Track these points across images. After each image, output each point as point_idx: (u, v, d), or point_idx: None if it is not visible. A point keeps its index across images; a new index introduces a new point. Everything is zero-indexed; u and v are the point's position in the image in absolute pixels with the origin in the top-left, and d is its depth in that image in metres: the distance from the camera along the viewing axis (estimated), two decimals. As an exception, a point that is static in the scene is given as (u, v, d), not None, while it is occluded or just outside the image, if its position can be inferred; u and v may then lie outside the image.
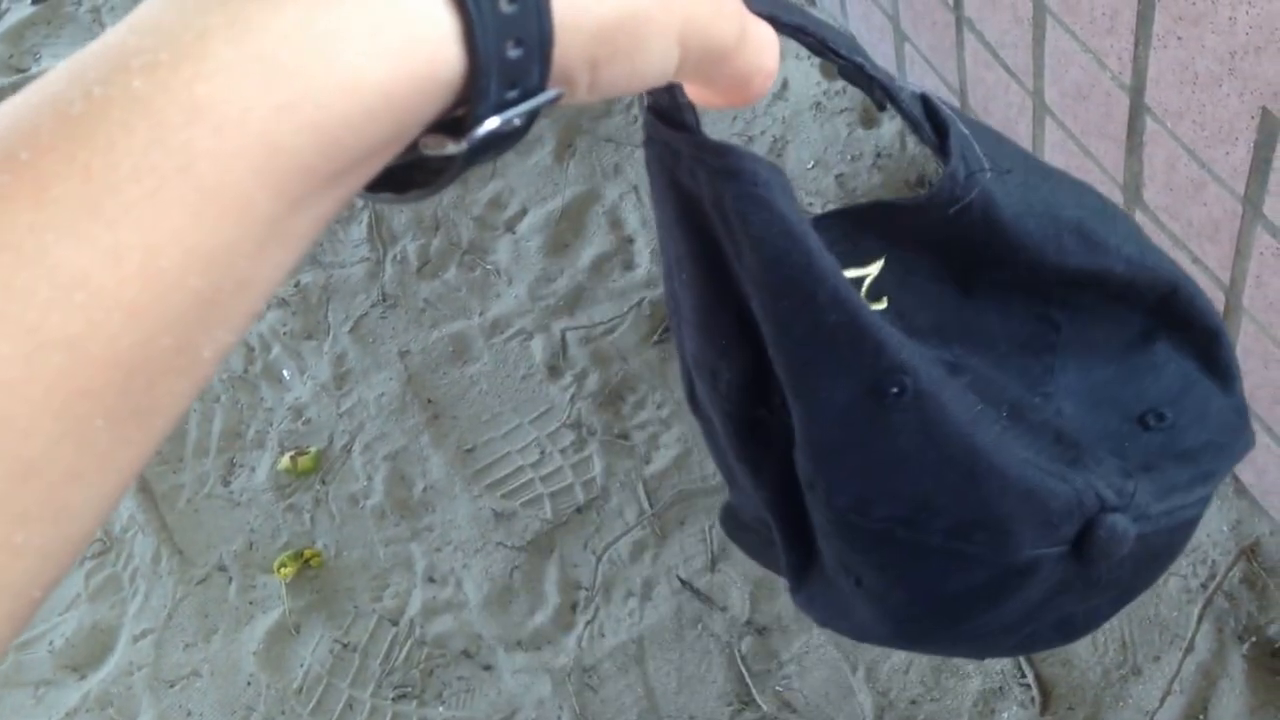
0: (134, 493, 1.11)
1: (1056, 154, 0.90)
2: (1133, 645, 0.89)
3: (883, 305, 0.28)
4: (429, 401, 1.11)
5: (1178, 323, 0.30)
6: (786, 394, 0.25)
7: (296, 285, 1.19)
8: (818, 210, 1.07)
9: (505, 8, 0.17)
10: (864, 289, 0.28)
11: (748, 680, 0.93)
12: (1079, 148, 0.86)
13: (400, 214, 1.21)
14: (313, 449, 1.10)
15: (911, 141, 1.11)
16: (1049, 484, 0.27)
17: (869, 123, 1.14)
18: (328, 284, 1.19)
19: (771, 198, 0.23)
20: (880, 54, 1.12)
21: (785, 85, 1.17)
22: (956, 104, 1.01)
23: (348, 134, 0.16)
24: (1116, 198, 0.85)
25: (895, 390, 0.25)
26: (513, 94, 0.18)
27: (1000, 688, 0.90)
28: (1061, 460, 0.27)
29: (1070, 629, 0.31)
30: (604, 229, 1.16)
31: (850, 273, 0.27)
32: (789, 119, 1.15)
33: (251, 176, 0.15)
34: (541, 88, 0.18)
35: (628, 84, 0.20)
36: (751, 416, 0.27)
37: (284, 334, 1.17)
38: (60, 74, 0.16)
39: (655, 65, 0.20)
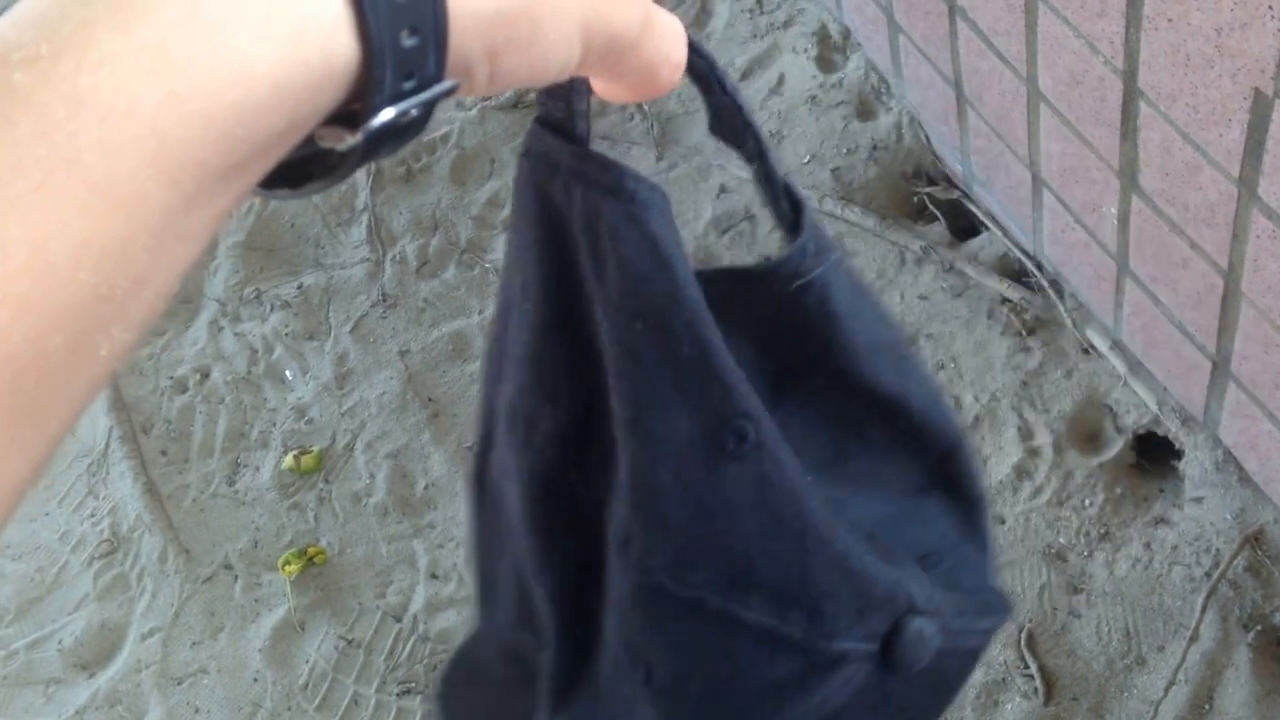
0: (140, 493, 1.13)
1: (1052, 142, 0.89)
2: (1137, 635, 0.89)
3: None
4: (430, 400, 1.12)
5: (950, 482, 0.30)
6: (621, 431, 0.24)
7: (298, 287, 1.20)
8: (814, 205, 1.07)
9: None
10: None
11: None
12: (1074, 134, 0.86)
13: (400, 214, 1.22)
14: (316, 448, 1.11)
15: (908, 135, 1.11)
16: (873, 568, 0.26)
17: (865, 116, 1.14)
18: (329, 285, 1.20)
19: (648, 219, 0.23)
20: (875, 47, 1.12)
21: (781, 80, 1.17)
22: (952, 95, 1.00)
23: (240, 125, 0.16)
24: (1113, 184, 0.85)
25: (736, 438, 0.24)
26: (409, 84, 0.17)
27: (1003, 679, 0.89)
28: (877, 555, 0.27)
29: None
30: (602, 226, 1.17)
31: None
32: (784, 113, 1.15)
33: (143, 169, 0.15)
34: (439, 78, 0.18)
35: (529, 75, 0.20)
36: (560, 480, 0.26)
37: (286, 335, 1.18)
38: None
39: (556, 56, 0.20)
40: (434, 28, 0.17)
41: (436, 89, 0.18)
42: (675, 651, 0.26)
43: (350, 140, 0.18)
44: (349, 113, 0.18)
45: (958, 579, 0.30)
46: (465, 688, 0.31)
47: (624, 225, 0.23)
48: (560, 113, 0.24)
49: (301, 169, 0.19)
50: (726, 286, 0.27)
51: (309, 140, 0.18)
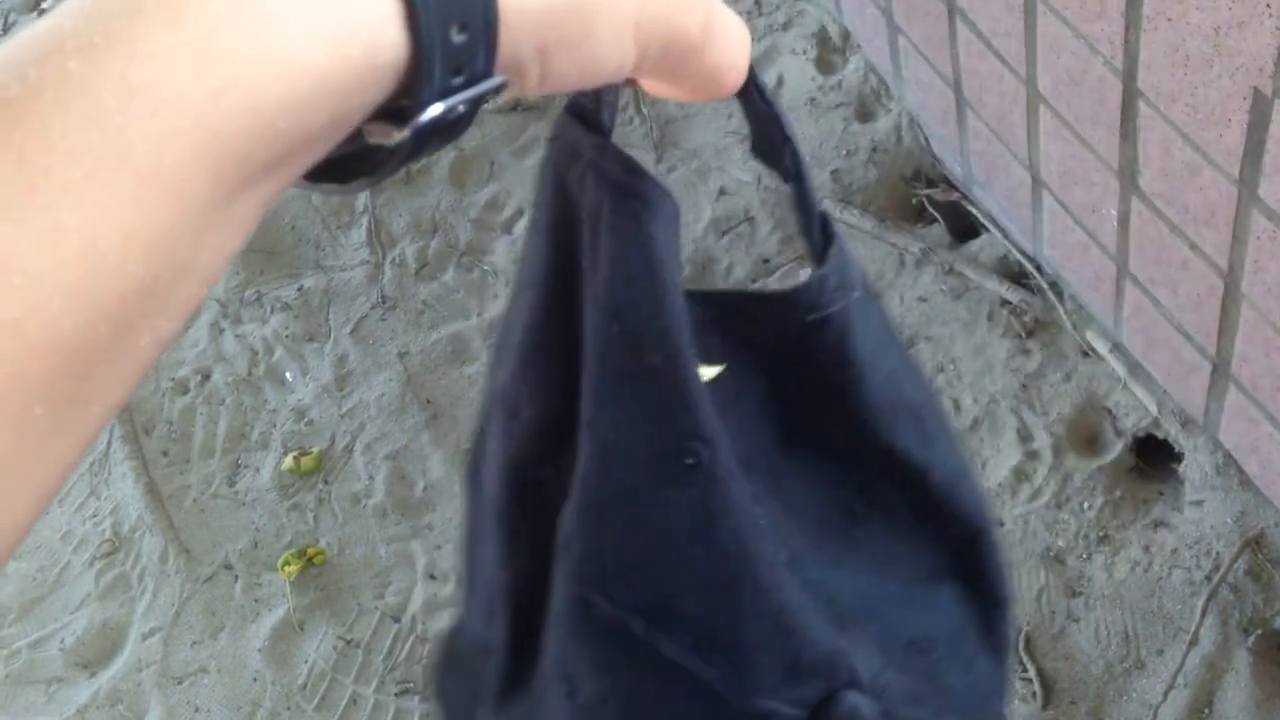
0: (142, 493, 1.13)
1: (1052, 143, 0.89)
2: (1136, 638, 0.88)
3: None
4: (428, 402, 1.12)
5: (971, 573, 0.28)
6: (582, 431, 0.23)
7: (299, 289, 1.21)
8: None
9: None
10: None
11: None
12: (1074, 135, 0.85)
13: (399, 217, 1.22)
14: (315, 449, 1.11)
15: (908, 136, 1.11)
16: (810, 629, 0.24)
17: (864, 117, 1.13)
18: (329, 287, 1.20)
19: (650, 222, 0.22)
20: (875, 48, 1.11)
21: (780, 81, 1.17)
22: (952, 97, 1.00)
23: (286, 119, 0.16)
24: (1112, 185, 0.84)
25: (690, 461, 0.23)
26: (458, 80, 0.17)
27: (1001, 682, 0.89)
28: (828, 620, 0.25)
29: None
30: (601, 227, 1.17)
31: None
32: (785, 114, 1.15)
33: (190, 161, 0.15)
34: (488, 74, 0.18)
35: (580, 76, 0.19)
36: (533, 474, 0.25)
37: (286, 337, 1.19)
38: None
39: (610, 57, 0.19)
40: (484, 24, 0.17)
41: (485, 85, 0.18)
42: (597, 671, 0.25)
43: (398, 136, 0.18)
44: (397, 108, 0.17)
45: (944, 675, 0.28)
46: (449, 676, 0.31)
47: (623, 221, 0.23)
48: (589, 103, 0.24)
49: (349, 164, 0.19)
50: (739, 309, 0.26)
51: (356, 135, 0.18)
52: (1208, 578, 0.88)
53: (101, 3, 0.16)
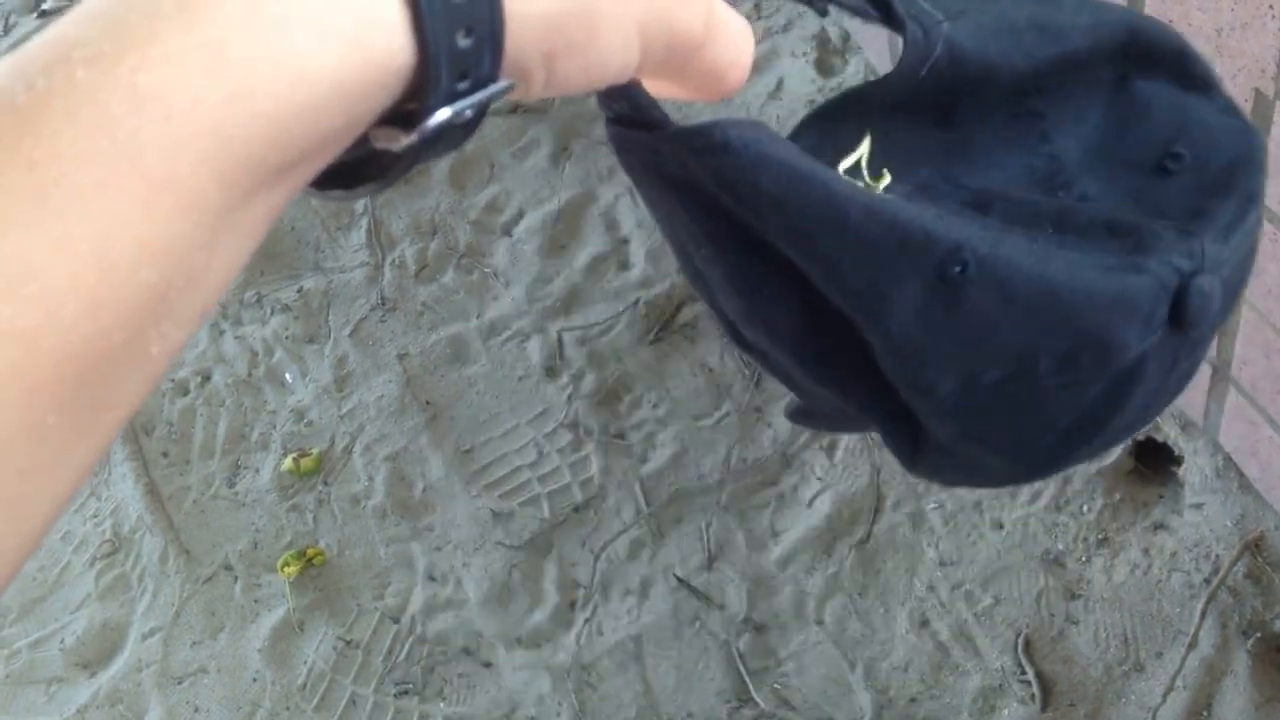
0: (142, 494, 1.14)
1: None
2: (1135, 641, 0.88)
3: (887, 179, 0.27)
4: (428, 403, 1.12)
5: (1142, 58, 0.30)
6: (857, 321, 0.25)
7: (299, 291, 1.21)
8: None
9: None
10: (864, 171, 0.27)
11: (745, 678, 0.93)
12: (1072, 138, 0.85)
13: (399, 219, 1.22)
14: (315, 450, 1.11)
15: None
16: (1130, 282, 0.26)
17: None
18: (328, 289, 1.20)
19: (765, 154, 0.23)
20: (875, 51, 1.11)
21: (780, 84, 1.17)
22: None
23: (298, 124, 0.16)
24: (1112, 188, 0.84)
25: (959, 269, 0.24)
26: (464, 85, 0.17)
27: (1000, 685, 0.89)
28: (1125, 251, 0.27)
29: (1181, 384, 0.31)
30: (600, 231, 1.17)
31: (843, 164, 0.27)
32: (784, 118, 1.15)
33: (201, 167, 0.15)
34: (494, 78, 0.18)
35: (586, 78, 0.19)
36: (819, 350, 0.27)
37: (286, 338, 1.19)
38: (4, 66, 0.16)
39: (614, 59, 0.19)
40: (490, 29, 0.17)
41: (492, 89, 0.18)
42: (997, 428, 0.28)
43: (405, 141, 0.18)
44: (404, 113, 0.18)
45: (1204, 169, 0.29)
46: (809, 418, 0.34)
47: (753, 172, 0.23)
48: (626, 109, 0.24)
49: (355, 170, 0.19)
50: (856, 100, 0.27)
51: (363, 141, 0.18)
52: (1207, 580, 0.88)
53: (109, 10, 0.15)
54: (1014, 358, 0.26)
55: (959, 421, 0.27)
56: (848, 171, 0.26)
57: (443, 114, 0.17)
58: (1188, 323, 0.27)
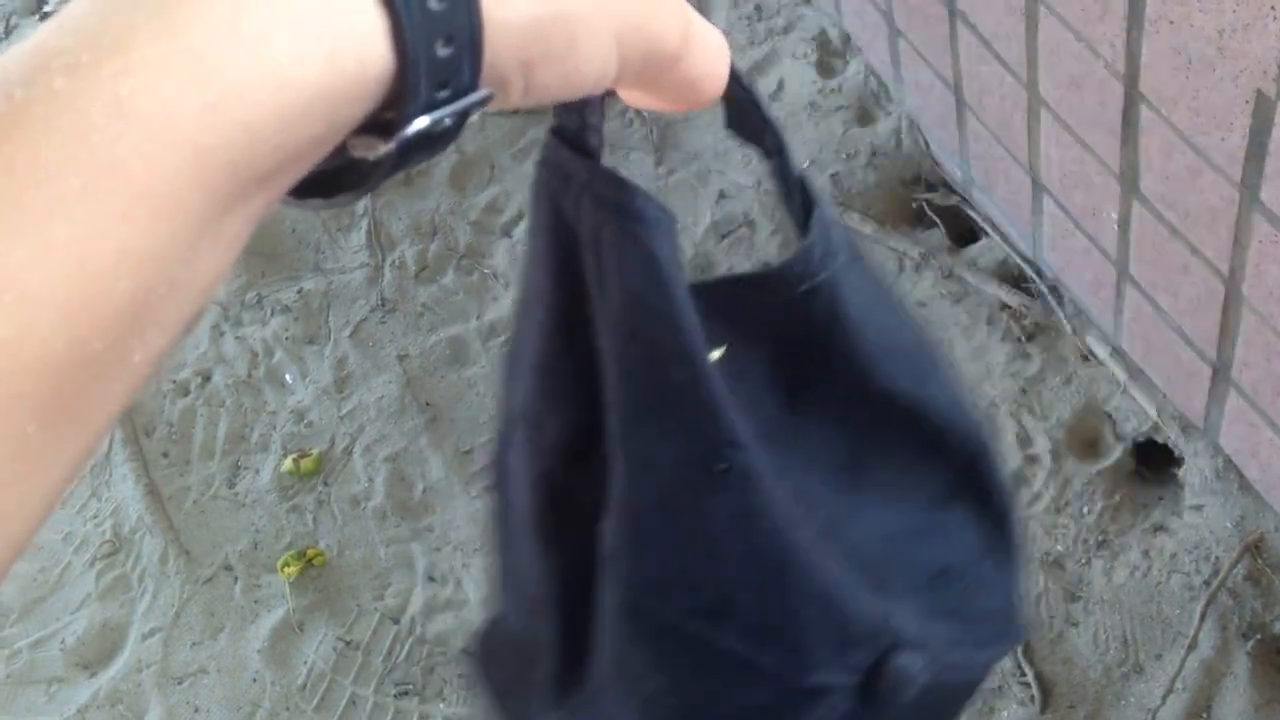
0: (142, 494, 1.14)
1: (1052, 146, 0.89)
2: (1134, 643, 0.88)
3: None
4: (428, 404, 1.12)
5: (978, 491, 0.30)
6: (613, 447, 0.24)
7: (299, 292, 1.21)
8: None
9: (434, 5, 0.17)
10: None
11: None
12: (1074, 139, 0.85)
13: (399, 220, 1.22)
14: (315, 451, 1.11)
15: (908, 140, 1.11)
16: (855, 601, 0.26)
17: (864, 121, 1.13)
18: (328, 290, 1.20)
19: (651, 239, 0.23)
20: (875, 51, 1.11)
21: (780, 85, 1.17)
22: (952, 100, 1.00)
23: (277, 133, 0.16)
24: (1113, 189, 0.84)
25: (723, 466, 0.24)
26: (443, 94, 0.18)
27: (999, 686, 0.89)
28: (867, 587, 0.27)
29: None
30: (601, 229, 1.17)
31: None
32: (784, 119, 1.15)
33: (181, 175, 0.15)
34: (473, 87, 0.18)
35: (564, 87, 0.20)
36: (563, 484, 0.26)
37: (286, 339, 1.19)
38: None
39: (592, 68, 0.20)
40: (469, 38, 0.17)
41: (471, 98, 0.18)
42: (657, 668, 0.26)
43: (383, 149, 0.18)
44: (383, 121, 0.18)
45: (970, 601, 0.29)
46: (493, 665, 0.32)
47: (627, 243, 0.23)
48: (574, 125, 0.24)
49: (333, 178, 0.19)
50: (734, 294, 0.27)
51: (341, 150, 0.18)
52: (1207, 582, 0.88)
53: (89, 20, 0.15)
54: (713, 592, 0.25)
55: (627, 636, 0.26)
56: None
57: (421, 123, 0.18)
58: (878, 692, 0.26)
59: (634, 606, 0.25)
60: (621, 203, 0.23)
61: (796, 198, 0.27)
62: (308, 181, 0.18)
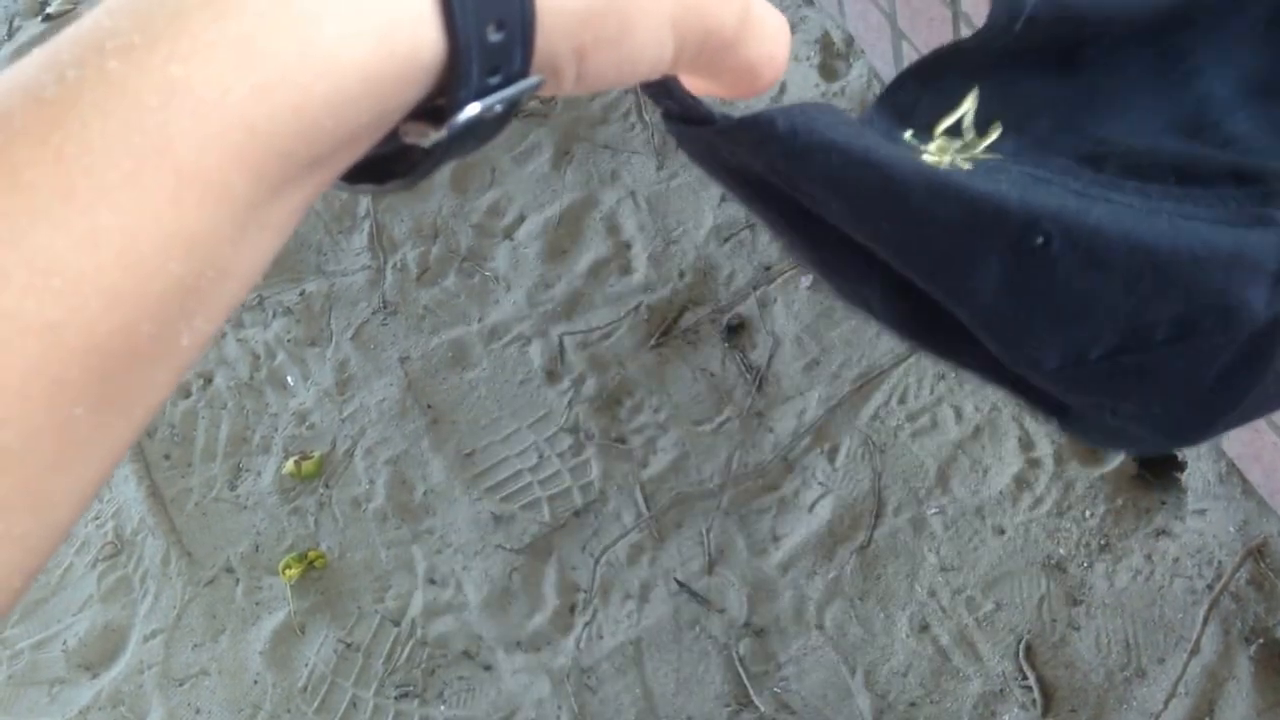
0: (144, 496, 1.14)
1: None
2: (1137, 647, 0.88)
3: (996, 132, 0.25)
4: (429, 407, 1.12)
5: None
6: (943, 301, 0.24)
7: (300, 294, 1.21)
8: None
9: None
10: (966, 126, 0.25)
11: (745, 682, 0.92)
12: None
13: (400, 222, 1.22)
14: (316, 453, 1.11)
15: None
16: (1250, 238, 0.23)
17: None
18: (330, 292, 1.20)
19: (817, 139, 0.22)
20: (879, 54, 1.11)
21: (783, 88, 1.17)
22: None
23: (327, 117, 0.16)
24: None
25: (1040, 241, 0.22)
26: (495, 80, 0.17)
27: (1001, 690, 0.89)
28: (1252, 201, 0.24)
29: None
30: (601, 235, 1.17)
31: (944, 122, 0.25)
32: (786, 119, 1.15)
33: (230, 160, 0.15)
34: (524, 73, 0.18)
35: (618, 74, 0.19)
36: (917, 326, 0.25)
37: (288, 341, 1.19)
38: (35, 59, 0.15)
39: (647, 54, 0.19)
40: (521, 23, 0.17)
41: (522, 85, 0.18)
42: (1123, 398, 0.26)
43: (435, 136, 0.17)
44: (433, 108, 0.17)
45: None
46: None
47: (805, 161, 0.22)
48: (675, 108, 0.23)
49: (385, 164, 0.19)
50: (951, 56, 0.25)
51: (392, 136, 0.18)
52: (1209, 586, 0.88)
53: (140, 3, 0.15)
54: (1121, 327, 0.24)
55: (1080, 393, 0.25)
56: (948, 130, 0.25)
57: (472, 109, 0.17)
58: None
59: (1063, 379, 0.25)
60: (770, 133, 0.22)
61: None
62: (360, 167, 0.18)
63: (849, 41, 1.17)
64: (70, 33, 0.16)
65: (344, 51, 0.16)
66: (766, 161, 0.22)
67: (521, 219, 1.20)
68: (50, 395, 0.15)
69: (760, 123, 0.22)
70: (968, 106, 0.25)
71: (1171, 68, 0.27)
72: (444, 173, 1.23)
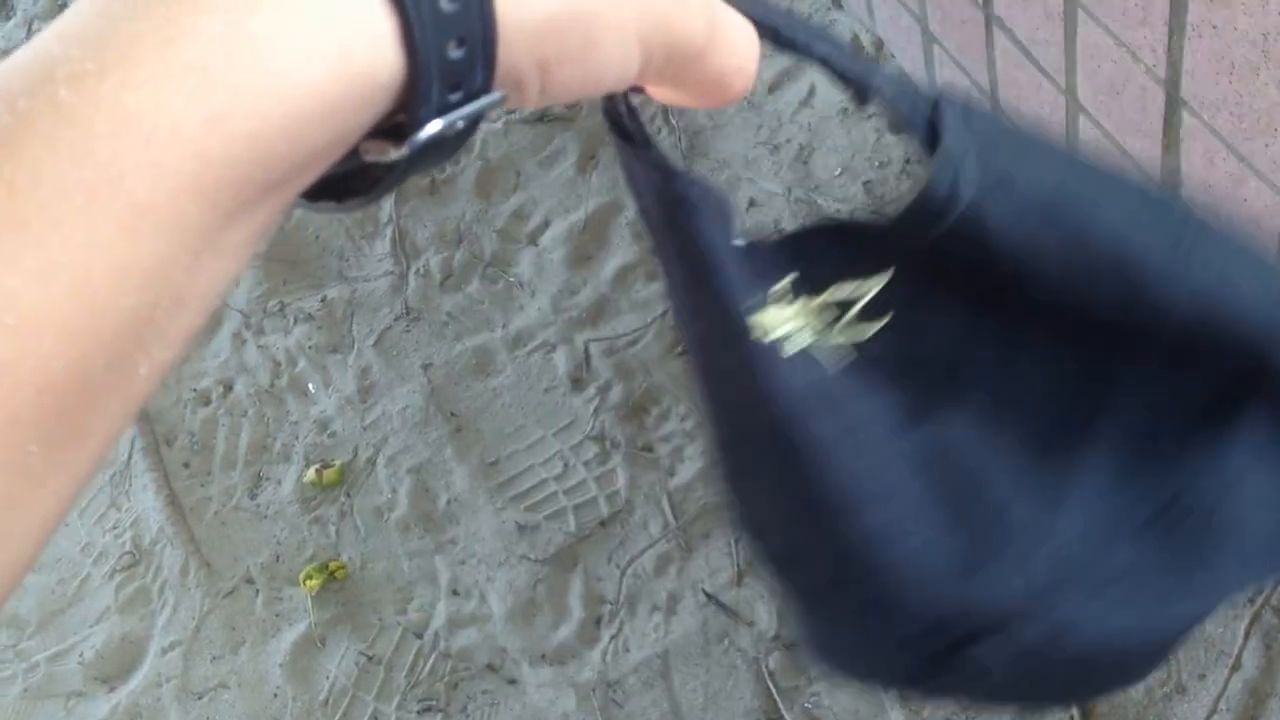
0: (163, 505, 1.13)
1: (1091, 153, 0.87)
2: (1177, 662, 0.86)
3: (883, 321, 0.25)
4: (452, 414, 1.11)
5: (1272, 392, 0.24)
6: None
7: (322, 300, 1.20)
8: (845, 215, 1.05)
9: (445, 6, 0.16)
10: (858, 306, 0.25)
11: (775, 697, 0.91)
12: (1114, 146, 0.84)
13: (424, 227, 1.21)
14: (338, 462, 1.10)
15: (939, 145, 1.09)
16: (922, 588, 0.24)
17: (898, 128, 1.12)
18: (352, 298, 1.19)
19: (703, 222, 0.23)
20: (909, 58, 1.10)
21: (812, 92, 1.16)
22: (988, 106, 0.98)
23: (284, 142, 0.15)
24: (1153, 198, 0.82)
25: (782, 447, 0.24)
26: (455, 96, 0.17)
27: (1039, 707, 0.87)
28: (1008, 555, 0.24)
29: None
30: (627, 240, 1.16)
31: (846, 286, 0.25)
32: (815, 126, 1.14)
33: (184, 190, 0.15)
34: (486, 89, 0.17)
35: (582, 87, 0.19)
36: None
37: (309, 348, 1.18)
38: None
39: (612, 67, 0.19)
40: (482, 40, 0.17)
41: (483, 101, 0.18)
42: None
43: (395, 154, 0.17)
44: (394, 125, 0.17)
45: (1230, 519, 0.24)
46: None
47: (683, 224, 0.23)
48: (614, 111, 0.24)
49: (345, 183, 0.18)
50: (860, 233, 0.25)
51: (353, 154, 0.17)
52: (1250, 600, 0.86)
53: (93, 29, 0.15)
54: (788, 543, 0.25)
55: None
56: (837, 303, 0.24)
57: (434, 126, 0.17)
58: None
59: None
60: (674, 193, 0.23)
61: (920, 128, 0.23)
62: (320, 185, 0.18)
63: (878, 45, 1.16)
64: (20, 59, 0.15)
65: (300, 75, 0.15)
66: (651, 202, 0.23)
67: (546, 224, 1.18)
68: (4, 433, 0.14)
69: (676, 177, 0.23)
70: (874, 285, 0.24)
71: (1086, 370, 0.25)
72: (468, 177, 1.22)
